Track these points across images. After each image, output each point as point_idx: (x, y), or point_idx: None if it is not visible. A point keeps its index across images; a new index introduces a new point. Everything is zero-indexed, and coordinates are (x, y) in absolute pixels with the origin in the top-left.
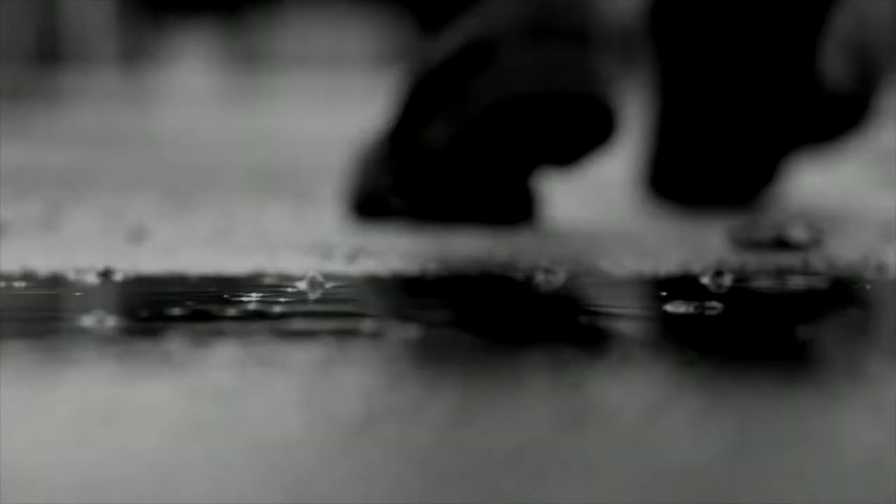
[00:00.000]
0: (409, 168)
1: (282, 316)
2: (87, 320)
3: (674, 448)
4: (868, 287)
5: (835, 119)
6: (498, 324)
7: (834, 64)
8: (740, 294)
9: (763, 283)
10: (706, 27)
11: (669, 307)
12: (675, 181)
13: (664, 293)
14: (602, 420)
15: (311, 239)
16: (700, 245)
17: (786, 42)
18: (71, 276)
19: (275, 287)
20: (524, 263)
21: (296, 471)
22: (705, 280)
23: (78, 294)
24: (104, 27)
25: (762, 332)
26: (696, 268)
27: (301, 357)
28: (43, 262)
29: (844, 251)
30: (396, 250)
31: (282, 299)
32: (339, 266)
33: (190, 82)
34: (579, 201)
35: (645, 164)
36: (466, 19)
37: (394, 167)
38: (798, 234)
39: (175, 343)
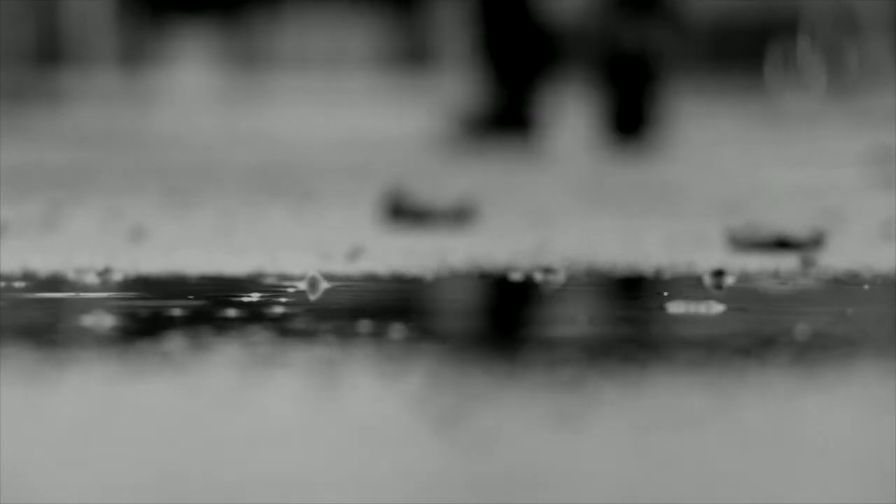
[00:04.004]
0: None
1: (282, 316)
2: (87, 320)
3: (674, 447)
4: (867, 287)
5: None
6: (498, 323)
7: None
8: (740, 294)
9: (763, 283)
10: None
11: (670, 307)
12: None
13: (664, 293)
14: (602, 419)
15: (311, 239)
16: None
17: None
18: (71, 276)
19: (275, 287)
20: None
21: (296, 470)
22: (705, 280)
23: (78, 294)
24: (104, 27)
25: (762, 331)
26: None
27: (301, 357)
28: (43, 262)
29: (844, 251)
30: (396, 250)
31: (282, 299)
32: (339, 266)
33: (190, 82)
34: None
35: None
36: None
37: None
38: (798, 234)
39: (175, 343)
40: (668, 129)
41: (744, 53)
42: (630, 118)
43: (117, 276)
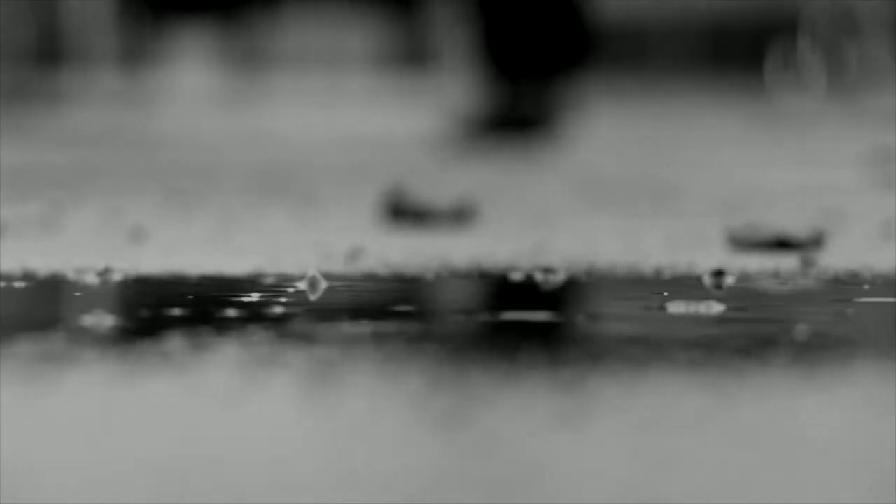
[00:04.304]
0: None
1: (282, 316)
2: (87, 320)
3: (674, 447)
4: (867, 287)
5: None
6: (498, 323)
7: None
8: (740, 294)
9: (763, 283)
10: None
11: (670, 307)
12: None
13: (664, 293)
14: (602, 419)
15: (311, 239)
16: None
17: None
18: (71, 276)
19: (275, 287)
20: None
21: (295, 470)
22: (705, 280)
23: (78, 294)
24: (104, 27)
25: (762, 331)
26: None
27: (301, 357)
28: (43, 262)
29: (844, 251)
30: (396, 250)
31: (282, 299)
32: (339, 266)
33: (190, 82)
34: None
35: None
36: None
37: None
38: (798, 233)
39: (175, 343)
40: (571, 122)
41: (744, 53)
42: (526, 114)
43: (117, 276)
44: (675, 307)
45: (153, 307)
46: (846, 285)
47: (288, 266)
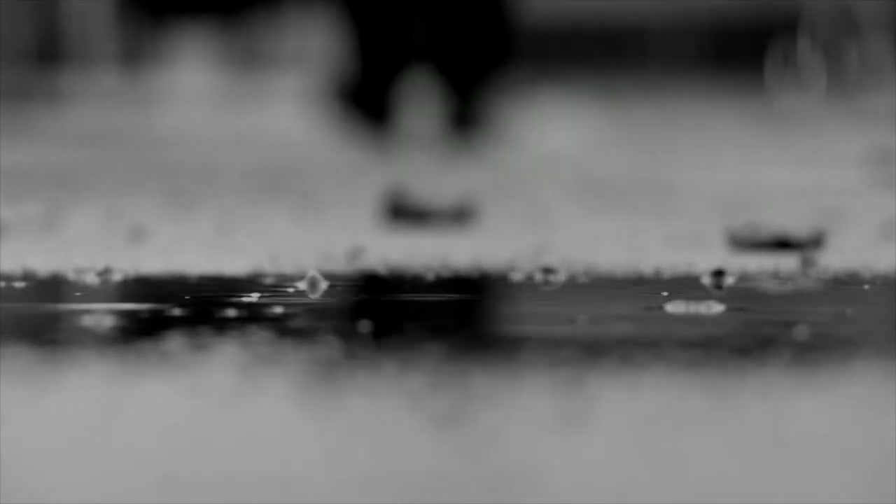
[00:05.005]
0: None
1: (282, 316)
2: (87, 320)
3: (674, 447)
4: (867, 287)
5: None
6: (498, 323)
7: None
8: (740, 294)
9: (763, 283)
10: None
11: (670, 307)
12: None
13: (664, 293)
14: (602, 419)
15: (311, 239)
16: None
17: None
18: (71, 276)
19: (275, 287)
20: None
21: (296, 470)
22: (705, 280)
23: (78, 294)
24: (104, 27)
25: (762, 331)
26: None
27: (301, 357)
28: (43, 262)
29: (844, 251)
30: (396, 250)
31: (282, 299)
32: (339, 266)
33: (190, 82)
34: None
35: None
36: None
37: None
38: (798, 233)
39: (175, 343)
40: (500, 125)
41: (744, 53)
42: (459, 115)
43: (117, 276)
44: (675, 307)
45: (153, 307)
46: (846, 285)
47: (288, 266)
